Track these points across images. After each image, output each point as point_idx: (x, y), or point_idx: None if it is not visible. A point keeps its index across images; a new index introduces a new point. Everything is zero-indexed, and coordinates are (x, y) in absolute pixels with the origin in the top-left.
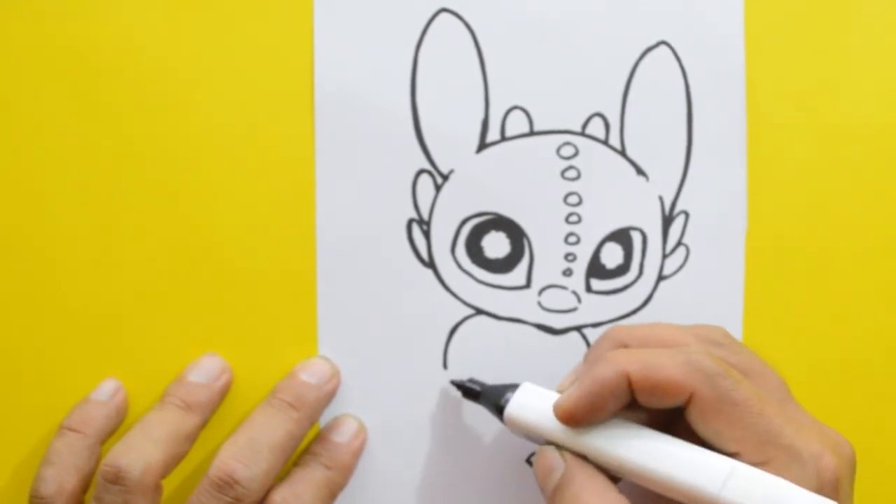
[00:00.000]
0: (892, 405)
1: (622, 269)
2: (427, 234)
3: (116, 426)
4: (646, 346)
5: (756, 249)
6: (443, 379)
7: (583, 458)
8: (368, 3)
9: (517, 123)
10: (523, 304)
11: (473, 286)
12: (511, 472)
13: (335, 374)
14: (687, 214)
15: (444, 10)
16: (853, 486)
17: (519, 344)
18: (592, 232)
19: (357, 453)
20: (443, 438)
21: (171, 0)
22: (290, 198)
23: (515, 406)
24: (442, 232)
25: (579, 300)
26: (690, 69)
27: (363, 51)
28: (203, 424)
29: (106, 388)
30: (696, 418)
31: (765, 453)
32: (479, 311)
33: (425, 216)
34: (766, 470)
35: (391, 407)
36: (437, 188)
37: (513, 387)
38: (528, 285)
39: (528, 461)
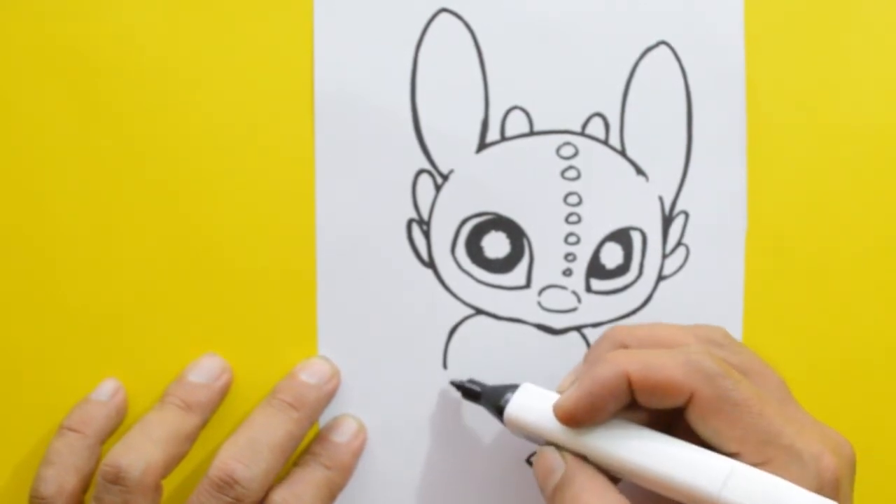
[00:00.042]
0: (892, 405)
1: (622, 269)
2: (427, 234)
3: (116, 426)
4: (646, 347)
5: (756, 249)
6: (443, 379)
7: (583, 458)
8: (368, 3)
9: (517, 123)
10: (523, 304)
11: (473, 286)
12: (511, 473)
13: (335, 375)
14: (687, 214)
15: (444, 10)
16: (853, 486)
17: (519, 344)
18: (592, 232)
19: (357, 453)
20: (443, 438)
21: (171, 0)
22: (290, 198)
23: (515, 407)
24: (442, 232)
25: (579, 300)
26: (690, 69)
27: (363, 51)
28: (203, 424)
29: (106, 388)
30: (696, 418)
31: (765, 453)
32: (479, 311)
33: (425, 216)
34: (766, 470)
35: (391, 407)
36: (437, 188)
37: (512, 387)
38: (527, 285)
39: (528, 461)
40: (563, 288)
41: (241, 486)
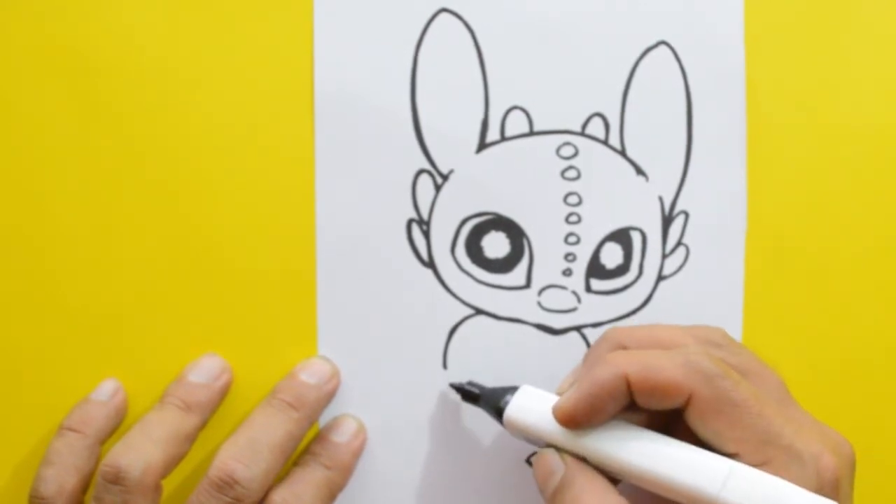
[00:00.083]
0: (892, 405)
1: (622, 269)
2: (427, 234)
3: (116, 426)
4: (644, 348)
5: (756, 249)
6: (442, 379)
7: (582, 460)
8: (368, 3)
9: (517, 123)
10: (523, 304)
11: (473, 286)
12: (511, 473)
13: (335, 374)
14: (687, 214)
15: (444, 10)
16: (853, 486)
17: (519, 344)
18: (592, 232)
19: (357, 453)
20: (443, 438)
21: (171, 0)
22: (290, 198)
23: (515, 409)
24: (442, 232)
25: (579, 300)
26: (690, 69)
27: (363, 51)
28: (203, 424)
29: (106, 389)
30: (695, 419)
31: (764, 453)
32: (478, 311)
33: (425, 216)
34: (765, 470)
35: (391, 407)
36: (437, 188)
37: (512, 389)
38: (527, 285)
39: (528, 461)
40: (563, 288)
41: (241, 486)
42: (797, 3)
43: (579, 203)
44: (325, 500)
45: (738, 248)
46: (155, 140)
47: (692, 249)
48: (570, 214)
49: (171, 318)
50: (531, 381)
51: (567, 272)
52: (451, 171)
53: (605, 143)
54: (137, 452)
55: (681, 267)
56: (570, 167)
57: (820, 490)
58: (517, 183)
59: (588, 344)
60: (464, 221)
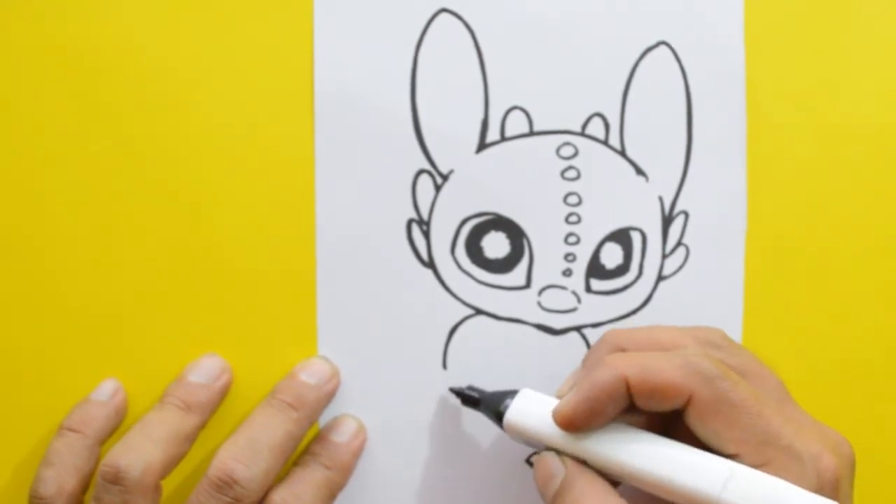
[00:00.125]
0: (892, 405)
1: (622, 270)
2: (427, 235)
3: (116, 426)
4: (643, 350)
5: (756, 249)
6: (442, 379)
7: (583, 463)
8: (368, 3)
9: (517, 123)
10: (523, 305)
11: (473, 286)
12: (511, 473)
13: (335, 375)
14: (687, 214)
15: (444, 10)
16: (853, 486)
17: (519, 344)
18: (592, 232)
19: (357, 453)
20: (443, 438)
21: (171, 0)
22: (290, 198)
23: (515, 412)
24: (442, 232)
25: (579, 300)
26: (690, 69)
27: (363, 51)
28: (203, 424)
29: (106, 389)
30: (694, 420)
31: (764, 454)
32: (478, 312)
33: (425, 216)
34: (765, 471)
35: (391, 407)
36: (437, 188)
37: (511, 393)
38: (527, 285)
39: (528, 461)
40: (563, 288)
41: (241, 486)
42: (797, 3)
43: (579, 203)
44: (325, 499)
45: (738, 248)
46: (155, 140)
47: (692, 249)
48: (570, 214)
49: (171, 318)
50: (531, 382)
51: (567, 272)
52: (451, 171)
53: (605, 143)
54: (137, 452)
55: (681, 267)
56: (570, 167)
57: (820, 490)
58: (517, 183)
59: (588, 344)
60: (464, 221)
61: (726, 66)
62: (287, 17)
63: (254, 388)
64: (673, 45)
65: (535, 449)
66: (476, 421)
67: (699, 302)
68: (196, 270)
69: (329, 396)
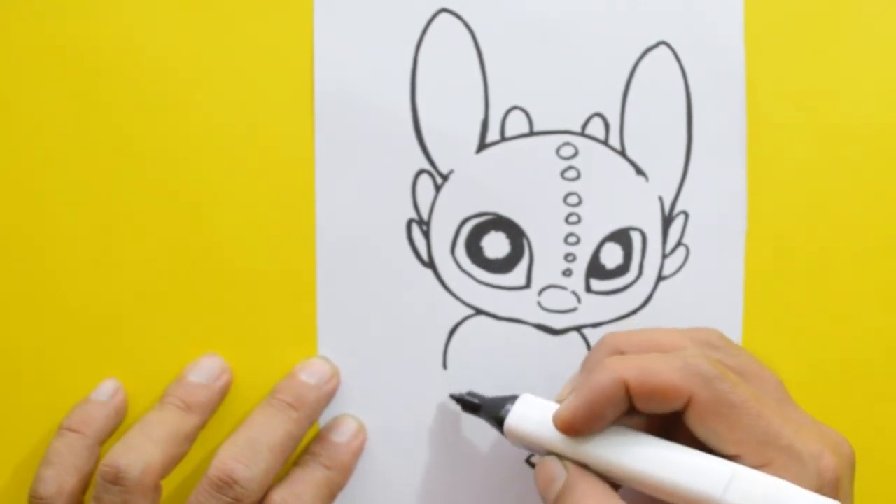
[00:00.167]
0: (892, 405)
1: (622, 270)
2: (427, 235)
3: (116, 426)
4: (642, 352)
5: (756, 249)
6: (442, 379)
7: (584, 467)
8: (368, 3)
9: (517, 123)
10: (523, 305)
11: (473, 286)
12: (511, 473)
13: (335, 375)
14: (687, 214)
15: (444, 10)
16: (853, 486)
17: (519, 344)
18: (592, 232)
19: (357, 453)
20: (443, 439)
21: (171, 0)
22: (290, 198)
23: (515, 418)
24: (442, 232)
25: (579, 300)
26: (690, 69)
27: (363, 51)
28: (203, 424)
29: (106, 389)
30: (694, 422)
31: (765, 455)
32: (478, 312)
33: (425, 216)
34: (766, 471)
35: (391, 407)
36: (437, 188)
37: (511, 399)
38: (527, 285)
39: (528, 461)
40: (563, 288)
41: (241, 485)
42: (797, 3)
43: (579, 203)
44: (325, 499)
45: (738, 248)
46: (155, 140)
47: (692, 249)
48: (570, 214)
49: (171, 318)
50: (531, 381)
51: (567, 272)
52: (451, 171)
53: (605, 143)
54: (137, 452)
55: (681, 267)
56: (570, 167)
57: (820, 490)
58: (517, 183)
59: (588, 344)
60: (464, 221)
61: (726, 66)
62: (287, 17)
63: (254, 388)
64: (673, 45)
65: (537, 454)
66: (476, 422)
67: (699, 302)
68: (196, 270)
69: (329, 396)
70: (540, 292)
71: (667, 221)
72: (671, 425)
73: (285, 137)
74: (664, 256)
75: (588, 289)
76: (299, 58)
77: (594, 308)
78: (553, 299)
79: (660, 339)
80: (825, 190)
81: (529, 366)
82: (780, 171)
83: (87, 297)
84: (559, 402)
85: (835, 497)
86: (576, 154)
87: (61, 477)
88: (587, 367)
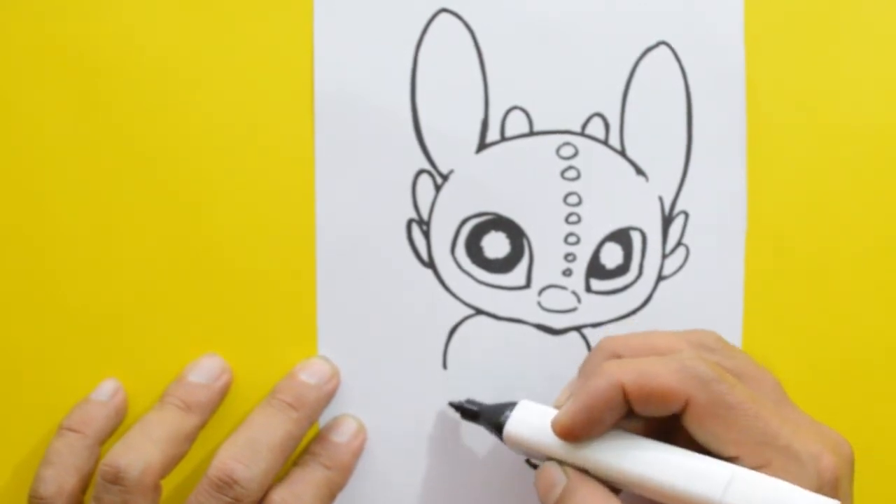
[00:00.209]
0: (892, 405)
1: (622, 270)
2: (427, 235)
3: (116, 426)
4: (639, 356)
5: (756, 249)
6: (442, 379)
7: (584, 471)
8: (368, 3)
9: (517, 123)
10: (523, 304)
11: (473, 286)
12: (511, 473)
13: (335, 375)
14: (687, 214)
15: (444, 10)
16: (852, 486)
17: (519, 344)
18: (592, 232)
19: (356, 453)
20: (442, 439)
21: (171, 0)
22: (290, 198)
23: (514, 424)
24: (442, 232)
25: (579, 300)
26: (690, 69)
27: (363, 51)
28: (203, 424)
29: (106, 389)
30: (693, 424)
31: (763, 455)
32: (478, 311)
33: (425, 216)
34: (765, 472)
35: (391, 407)
36: (437, 188)
37: (510, 405)
38: (527, 285)
39: (528, 462)
40: (563, 288)
41: (241, 485)
42: (797, 3)
43: (579, 203)
44: (325, 499)
45: (738, 248)
46: (155, 140)
47: (692, 249)
48: (570, 214)
49: (171, 318)
50: (531, 382)
51: (567, 272)
52: (451, 171)
53: (605, 143)
54: (137, 452)
55: (681, 267)
56: (570, 167)
57: (820, 490)
58: (517, 183)
59: (588, 344)
60: (464, 221)
61: (726, 66)
62: (287, 17)
63: (254, 388)
64: (673, 45)
65: (536, 459)
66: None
67: (699, 302)
68: (196, 270)
69: (329, 396)
70: (540, 292)
71: (667, 221)
72: (670, 428)
73: (285, 137)
74: (664, 256)
75: (588, 289)
76: (299, 58)
77: (594, 308)
78: (553, 299)
79: (656, 342)
80: (825, 190)
81: (529, 366)
82: (780, 171)
83: (87, 297)
84: (557, 407)
85: (834, 497)
86: (576, 154)
87: (61, 477)
88: (584, 371)
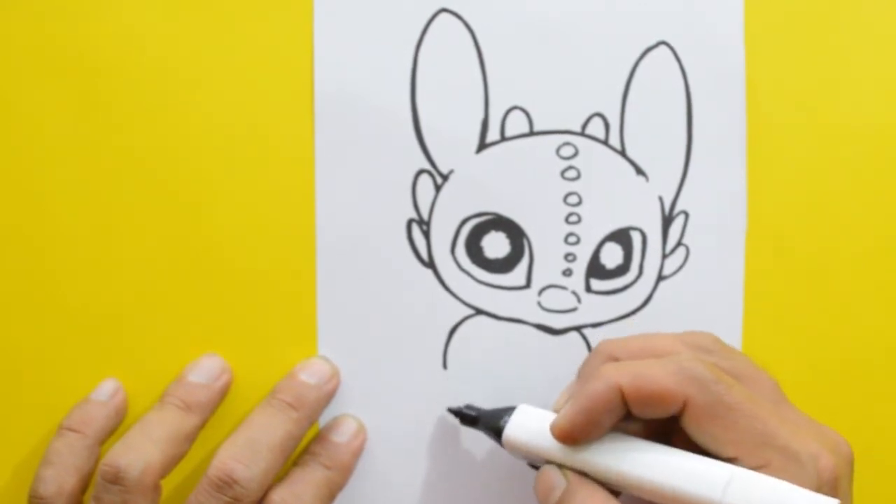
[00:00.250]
0: (892, 405)
1: (622, 270)
2: (427, 234)
3: (116, 426)
4: (637, 358)
5: (756, 249)
6: (442, 379)
7: (583, 474)
8: (368, 3)
9: (517, 123)
10: (523, 304)
11: (473, 286)
12: (511, 473)
13: (335, 375)
14: (687, 214)
15: (444, 10)
16: (852, 485)
17: (519, 344)
18: (592, 232)
19: (356, 453)
20: (442, 439)
21: (171, 0)
22: (290, 198)
23: (513, 429)
24: (442, 232)
25: (579, 300)
26: (690, 69)
27: (363, 51)
28: (203, 424)
29: (106, 389)
30: (691, 425)
31: (762, 456)
32: (478, 311)
33: (425, 216)
34: (765, 473)
35: (391, 407)
36: (437, 188)
37: (509, 410)
38: (527, 285)
39: (529, 463)
40: (563, 288)
41: (241, 485)
42: (797, 3)
43: (579, 203)
44: (325, 499)
45: (738, 248)
46: (155, 140)
47: (692, 249)
48: (570, 214)
49: (171, 318)
50: (531, 382)
51: (567, 272)
52: (451, 171)
53: (605, 143)
54: (137, 452)
55: (681, 267)
56: (570, 167)
57: (819, 490)
58: (517, 183)
59: (588, 344)
60: (464, 221)
61: (726, 66)
62: (287, 17)
63: (254, 388)
64: (673, 45)
65: (536, 463)
66: None
67: (699, 302)
68: (196, 270)
69: (329, 396)
70: (540, 292)
71: (667, 221)
72: (668, 430)
73: (285, 137)
74: (664, 256)
75: (588, 289)
76: (299, 58)
77: (594, 308)
78: (553, 299)
79: (654, 345)
80: (825, 190)
81: (529, 366)
82: (780, 171)
83: (87, 297)
84: (556, 411)
85: (833, 497)
86: (576, 154)
87: (61, 477)
88: (583, 375)
